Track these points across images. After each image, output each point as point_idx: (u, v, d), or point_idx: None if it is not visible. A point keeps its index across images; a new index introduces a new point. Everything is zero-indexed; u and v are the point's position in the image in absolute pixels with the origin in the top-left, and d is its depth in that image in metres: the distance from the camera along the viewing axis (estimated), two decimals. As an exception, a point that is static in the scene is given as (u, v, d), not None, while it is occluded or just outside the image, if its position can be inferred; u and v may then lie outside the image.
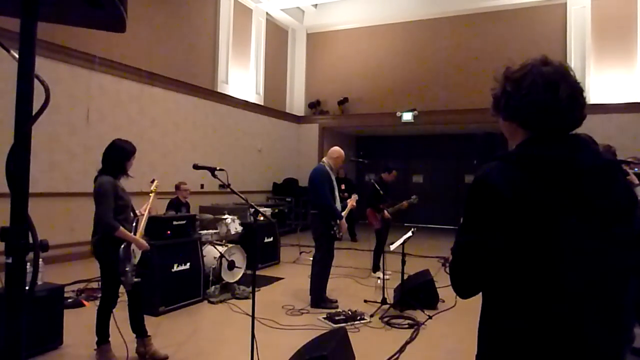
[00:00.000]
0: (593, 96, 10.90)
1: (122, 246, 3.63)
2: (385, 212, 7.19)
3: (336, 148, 5.79)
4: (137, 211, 3.98)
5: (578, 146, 1.27)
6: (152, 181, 4.35)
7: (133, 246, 3.72)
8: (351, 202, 5.98)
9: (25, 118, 1.06)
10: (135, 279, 3.70)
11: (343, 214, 5.63)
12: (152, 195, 4.20)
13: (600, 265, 1.22)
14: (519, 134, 1.36)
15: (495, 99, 1.40)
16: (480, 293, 1.35)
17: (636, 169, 4.46)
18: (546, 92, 1.27)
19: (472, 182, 1.31)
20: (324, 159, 5.75)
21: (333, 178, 5.60)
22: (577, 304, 1.19)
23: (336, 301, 5.54)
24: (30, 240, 1.06)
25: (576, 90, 1.29)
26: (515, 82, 1.32)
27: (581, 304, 1.19)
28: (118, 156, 3.74)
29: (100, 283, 4.13)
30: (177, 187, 7.52)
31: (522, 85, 1.30)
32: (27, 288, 1.07)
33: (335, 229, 5.43)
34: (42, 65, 6.95)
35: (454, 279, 1.34)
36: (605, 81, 11.02)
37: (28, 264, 1.07)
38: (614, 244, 1.24)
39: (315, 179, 5.52)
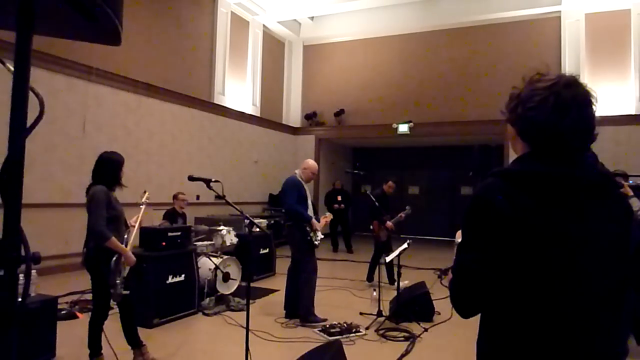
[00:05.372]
0: (587, 109, 10.97)
1: (114, 258, 3.61)
2: (389, 222, 7.23)
3: (307, 160, 5.86)
4: (128, 222, 3.97)
5: (575, 162, 1.27)
6: (144, 192, 4.35)
7: (122, 258, 3.70)
8: (325, 219, 5.87)
9: (19, 130, 1.06)
10: (124, 292, 3.69)
11: (319, 226, 5.57)
12: (143, 207, 4.20)
13: (602, 280, 1.22)
14: (518, 143, 1.36)
15: (511, 98, 1.36)
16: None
17: (631, 181, 4.50)
18: (552, 114, 1.24)
19: (471, 200, 1.29)
20: (296, 170, 5.76)
21: (305, 187, 5.58)
22: (580, 320, 1.20)
23: (326, 320, 5.40)
24: (23, 253, 1.06)
25: (586, 123, 1.25)
26: (532, 91, 1.28)
27: (584, 321, 1.20)
28: (112, 168, 3.76)
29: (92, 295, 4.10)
30: (175, 196, 7.43)
31: (534, 98, 1.26)
32: (19, 300, 1.06)
33: (310, 235, 5.41)
34: (40, 76, 6.96)
35: (456, 298, 1.30)
36: (599, 93, 10.91)
37: (21, 276, 1.07)
38: (613, 258, 1.24)
39: (284, 187, 5.59)
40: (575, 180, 1.24)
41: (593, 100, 1.27)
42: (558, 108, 1.23)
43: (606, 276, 1.23)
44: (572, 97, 1.24)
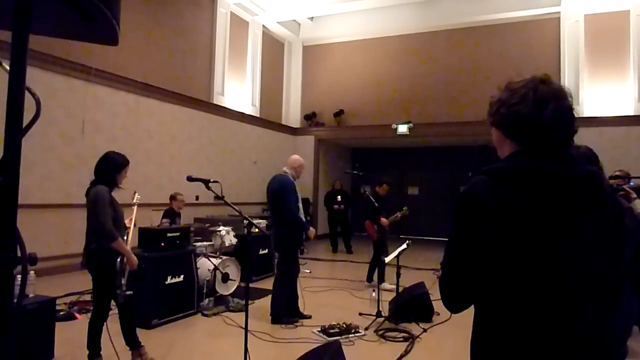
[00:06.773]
0: (586, 109, 11.01)
1: (119, 258, 3.62)
2: (384, 219, 7.20)
3: (296, 156, 5.62)
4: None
5: (562, 158, 1.29)
6: (134, 193, 4.35)
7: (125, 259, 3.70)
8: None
9: (15, 130, 1.05)
10: (128, 292, 3.69)
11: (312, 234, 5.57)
12: (135, 208, 4.20)
13: (590, 276, 1.23)
14: (505, 144, 1.39)
15: (491, 104, 1.42)
16: (472, 306, 1.35)
17: (632, 183, 4.49)
18: (534, 106, 1.28)
19: (459, 196, 1.32)
20: (285, 169, 5.51)
21: (297, 188, 5.43)
22: (570, 315, 1.20)
23: (310, 317, 5.51)
24: (19, 254, 1.05)
25: (565, 114, 1.30)
26: (511, 91, 1.34)
27: (574, 314, 1.20)
28: (109, 168, 3.74)
29: (92, 295, 4.09)
30: (173, 197, 7.37)
31: (515, 96, 1.32)
32: (15, 301, 1.06)
33: (304, 245, 5.37)
34: (38, 77, 6.94)
35: (444, 293, 1.32)
36: (598, 94, 11.12)
37: (18, 276, 1.06)
38: (602, 253, 1.25)
39: (280, 190, 5.28)
40: (561, 175, 1.26)
41: (568, 94, 1.32)
42: (538, 101, 1.28)
43: (594, 272, 1.24)
44: (548, 91, 1.30)
